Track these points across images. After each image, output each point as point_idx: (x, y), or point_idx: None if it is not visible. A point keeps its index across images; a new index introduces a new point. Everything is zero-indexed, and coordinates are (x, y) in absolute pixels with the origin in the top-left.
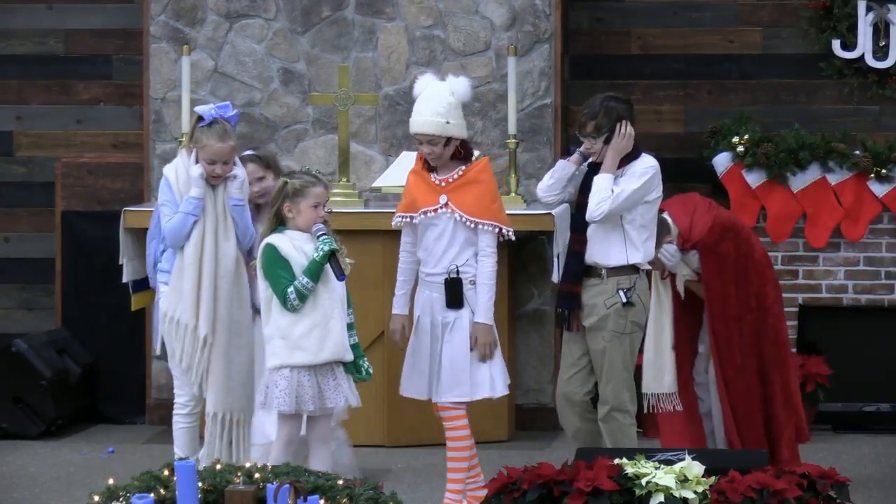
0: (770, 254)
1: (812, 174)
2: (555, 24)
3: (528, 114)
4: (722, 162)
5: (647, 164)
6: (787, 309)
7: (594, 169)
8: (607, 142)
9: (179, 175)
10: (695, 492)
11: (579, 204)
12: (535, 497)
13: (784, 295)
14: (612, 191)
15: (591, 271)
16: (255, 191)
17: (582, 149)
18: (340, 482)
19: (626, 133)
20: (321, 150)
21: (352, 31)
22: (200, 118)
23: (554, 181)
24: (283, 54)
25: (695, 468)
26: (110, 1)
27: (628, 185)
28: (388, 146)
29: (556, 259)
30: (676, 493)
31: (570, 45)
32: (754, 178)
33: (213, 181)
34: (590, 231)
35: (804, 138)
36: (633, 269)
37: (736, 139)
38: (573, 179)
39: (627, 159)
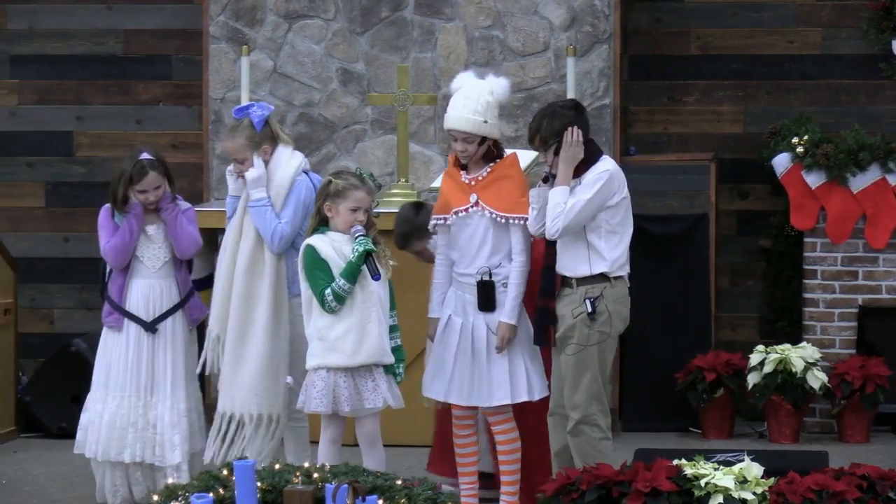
0: (830, 255)
1: (872, 175)
2: (614, 25)
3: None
4: (782, 163)
5: (599, 171)
6: (846, 310)
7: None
8: (557, 153)
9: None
10: (754, 493)
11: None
12: (594, 498)
13: (844, 296)
14: (567, 203)
15: (564, 282)
16: (151, 200)
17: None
18: (399, 482)
19: (573, 140)
20: (380, 151)
21: (411, 31)
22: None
23: (536, 211)
24: (342, 55)
25: (754, 469)
26: (170, 1)
27: (582, 196)
28: (446, 146)
29: None
30: (735, 495)
31: (630, 46)
32: (814, 179)
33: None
34: (558, 243)
35: (864, 139)
36: (602, 277)
37: (795, 140)
38: None
39: (585, 166)
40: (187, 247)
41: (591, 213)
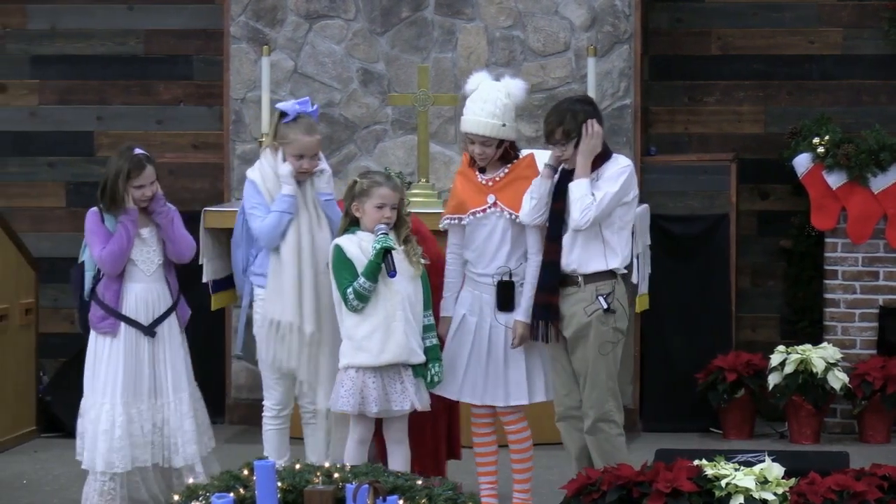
0: (851, 255)
1: (893, 175)
2: (634, 25)
3: (607, 115)
4: (802, 163)
5: (622, 165)
6: (867, 310)
7: (567, 176)
8: (577, 146)
9: (266, 176)
10: (775, 493)
11: (553, 213)
12: (615, 498)
13: (865, 296)
14: (594, 195)
15: (568, 279)
16: (148, 195)
17: (549, 160)
18: (419, 482)
19: (593, 132)
20: (400, 151)
21: (431, 31)
22: (283, 115)
23: (536, 201)
24: (362, 55)
25: (775, 470)
26: (190, 1)
27: (609, 189)
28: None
29: (636, 260)
30: (756, 495)
31: (650, 46)
32: (835, 180)
33: (301, 177)
34: (566, 239)
35: (885, 139)
36: (611, 274)
37: (816, 140)
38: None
39: (599, 161)
40: (185, 249)
41: (613, 207)
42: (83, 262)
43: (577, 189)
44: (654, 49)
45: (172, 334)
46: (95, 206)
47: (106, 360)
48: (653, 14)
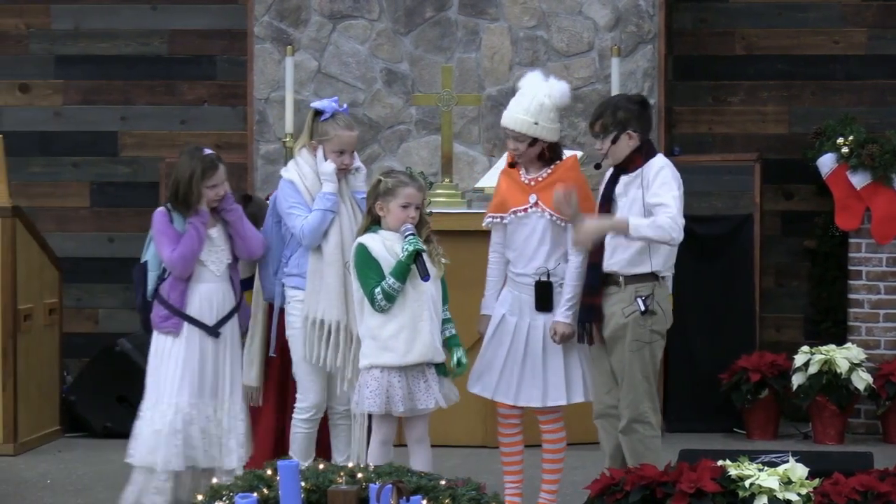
0: (875, 255)
1: None
2: (658, 25)
3: None
4: (826, 163)
5: (662, 163)
6: (891, 311)
7: (614, 179)
8: (614, 141)
9: (305, 175)
10: (798, 494)
11: (599, 215)
12: (638, 498)
13: (889, 297)
14: (666, 204)
15: (610, 279)
16: (222, 194)
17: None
18: (443, 482)
19: (569, 202)
20: (424, 151)
21: (455, 31)
22: (318, 113)
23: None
24: (386, 55)
25: (798, 470)
26: (214, 2)
27: (667, 194)
28: (490, 147)
29: None
30: (780, 496)
31: (674, 46)
32: (859, 180)
33: (340, 173)
34: (609, 241)
35: None
36: (652, 276)
37: (840, 140)
38: None
39: (643, 159)
40: (256, 246)
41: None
42: (146, 262)
43: (641, 229)
44: (679, 49)
45: (234, 335)
46: (162, 206)
47: (168, 359)
48: (677, 14)
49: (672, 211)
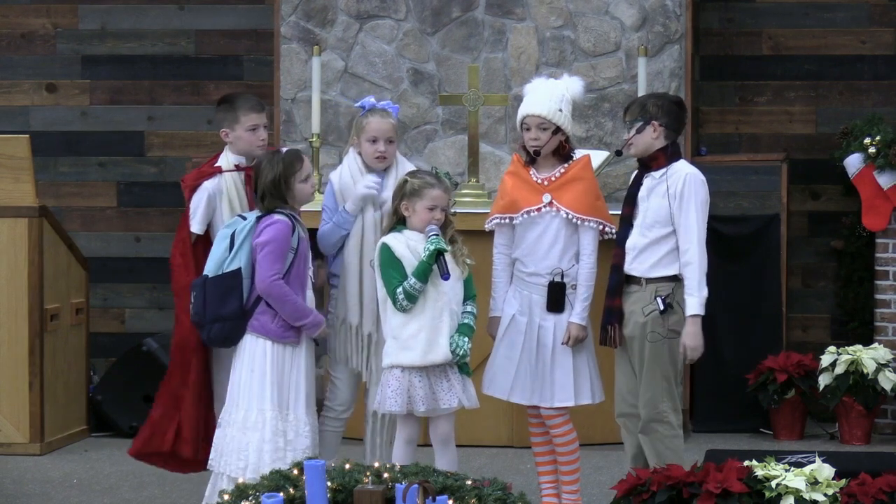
0: None
1: None
2: (685, 25)
3: None
4: (853, 163)
5: (686, 171)
6: None
7: (638, 180)
8: (640, 131)
9: (343, 177)
10: (825, 494)
11: (621, 218)
12: (665, 499)
13: None
14: (690, 251)
15: (632, 278)
16: (315, 186)
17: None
18: (469, 482)
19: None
20: (450, 151)
21: (482, 31)
22: (360, 110)
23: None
24: (412, 55)
25: (825, 470)
26: (241, 2)
27: (698, 223)
28: (517, 146)
29: None
30: (806, 496)
31: (701, 46)
32: (886, 180)
33: (377, 163)
34: (632, 243)
35: None
36: (674, 277)
37: (868, 140)
38: None
39: (666, 160)
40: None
41: (704, 220)
42: (239, 269)
43: (700, 299)
44: (705, 49)
45: (310, 343)
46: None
47: (291, 371)
48: (703, 14)
49: (695, 257)
